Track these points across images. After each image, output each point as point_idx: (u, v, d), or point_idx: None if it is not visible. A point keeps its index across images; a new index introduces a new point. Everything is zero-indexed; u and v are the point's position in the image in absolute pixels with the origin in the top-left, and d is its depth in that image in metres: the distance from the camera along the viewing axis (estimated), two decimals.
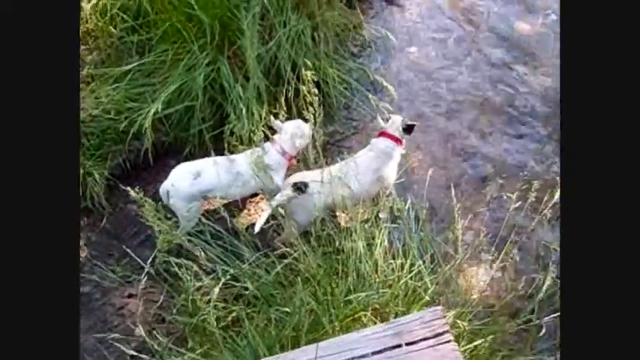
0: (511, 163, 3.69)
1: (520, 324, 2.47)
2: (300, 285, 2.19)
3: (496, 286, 3.05)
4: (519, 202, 3.75)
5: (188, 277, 2.27)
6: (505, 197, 2.98)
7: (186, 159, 3.33)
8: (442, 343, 1.73)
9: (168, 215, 3.20)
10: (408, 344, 1.73)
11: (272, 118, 3.01)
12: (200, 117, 3.41)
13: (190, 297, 2.30)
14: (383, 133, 3.09)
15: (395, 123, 3.12)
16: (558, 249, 3.26)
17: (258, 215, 3.53)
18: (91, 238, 3.34)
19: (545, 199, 2.41)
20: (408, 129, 3.10)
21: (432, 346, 1.72)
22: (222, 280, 2.10)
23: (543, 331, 2.33)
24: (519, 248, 2.96)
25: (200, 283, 2.30)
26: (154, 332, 2.74)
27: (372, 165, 3.00)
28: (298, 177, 2.93)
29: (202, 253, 2.24)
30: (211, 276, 2.37)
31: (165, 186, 3.01)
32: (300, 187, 2.84)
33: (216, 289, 2.02)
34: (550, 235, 3.30)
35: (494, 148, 3.78)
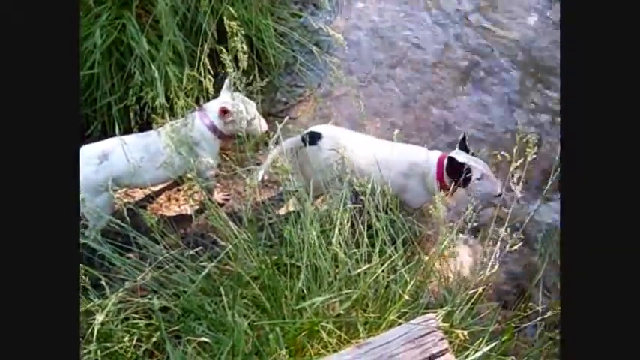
0: (480, 128, 3.28)
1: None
2: (231, 295, 1.60)
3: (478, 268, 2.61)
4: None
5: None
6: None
7: (94, 141, 2.66)
8: None
9: None
10: None
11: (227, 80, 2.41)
12: (108, 88, 2.74)
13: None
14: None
15: None
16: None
17: (190, 206, 2.92)
18: None
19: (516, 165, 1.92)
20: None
21: None
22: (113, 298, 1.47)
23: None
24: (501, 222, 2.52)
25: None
26: None
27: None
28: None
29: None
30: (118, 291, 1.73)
31: None
32: (303, 138, 2.40)
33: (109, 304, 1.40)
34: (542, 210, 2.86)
35: (461, 113, 3.37)
